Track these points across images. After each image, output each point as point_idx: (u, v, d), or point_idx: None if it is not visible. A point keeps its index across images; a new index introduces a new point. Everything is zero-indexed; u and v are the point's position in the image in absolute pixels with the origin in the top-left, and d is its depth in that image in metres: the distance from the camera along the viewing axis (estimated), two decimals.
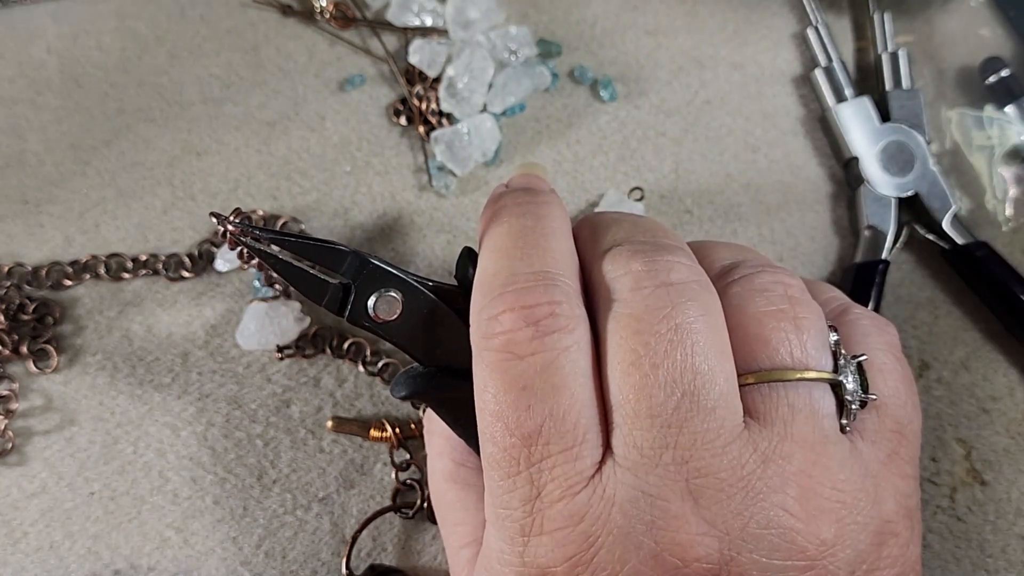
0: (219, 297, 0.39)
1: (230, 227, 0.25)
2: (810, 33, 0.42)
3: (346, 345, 0.38)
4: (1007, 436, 0.38)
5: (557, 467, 0.22)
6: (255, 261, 0.26)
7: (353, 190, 0.40)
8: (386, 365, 0.38)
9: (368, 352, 0.38)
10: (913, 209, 0.40)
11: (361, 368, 0.38)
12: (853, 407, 0.24)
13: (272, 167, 0.40)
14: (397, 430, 0.37)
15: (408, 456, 0.37)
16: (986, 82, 0.42)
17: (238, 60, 0.42)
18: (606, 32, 0.43)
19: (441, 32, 0.41)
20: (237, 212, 0.27)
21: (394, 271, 0.27)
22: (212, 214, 0.25)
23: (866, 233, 0.40)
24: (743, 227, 0.41)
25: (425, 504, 0.36)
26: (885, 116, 0.41)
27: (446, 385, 0.27)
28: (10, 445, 0.37)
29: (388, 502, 0.37)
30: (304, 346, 0.38)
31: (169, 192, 0.40)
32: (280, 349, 0.37)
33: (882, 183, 0.40)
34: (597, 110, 0.42)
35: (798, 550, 0.22)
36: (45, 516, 0.36)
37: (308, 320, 0.38)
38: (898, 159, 0.40)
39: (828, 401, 0.24)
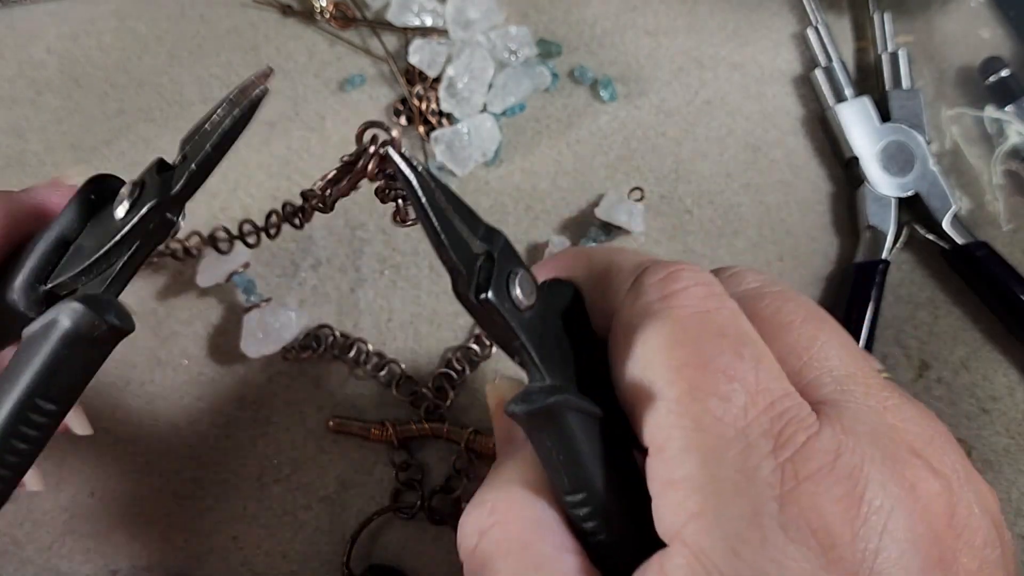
0: (219, 296, 0.39)
1: (390, 149, 0.21)
2: (810, 33, 0.42)
3: (347, 345, 0.38)
4: (1007, 436, 0.38)
5: (789, 409, 0.21)
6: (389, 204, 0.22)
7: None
8: (386, 365, 0.38)
9: (369, 353, 0.38)
10: (913, 209, 0.40)
11: (361, 369, 0.38)
12: None
13: (272, 167, 0.40)
14: (398, 431, 0.37)
15: (408, 456, 0.37)
16: (986, 82, 0.42)
17: (238, 60, 0.42)
18: (606, 32, 0.43)
19: (441, 32, 0.41)
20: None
21: (519, 256, 0.23)
22: (369, 123, 0.21)
23: (866, 233, 0.40)
24: (743, 227, 0.41)
25: (425, 504, 0.36)
26: (885, 116, 0.41)
27: (587, 402, 0.22)
28: None
29: (388, 502, 0.37)
30: (305, 346, 0.38)
31: None
32: (286, 352, 0.37)
33: (882, 183, 0.40)
34: (597, 110, 0.42)
35: (985, 490, 0.23)
36: (45, 516, 0.36)
37: (308, 320, 0.38)
38: (898, 159, 0.40)
39: None
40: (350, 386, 0.38)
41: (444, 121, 0.41)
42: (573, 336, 0.24)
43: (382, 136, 0.22)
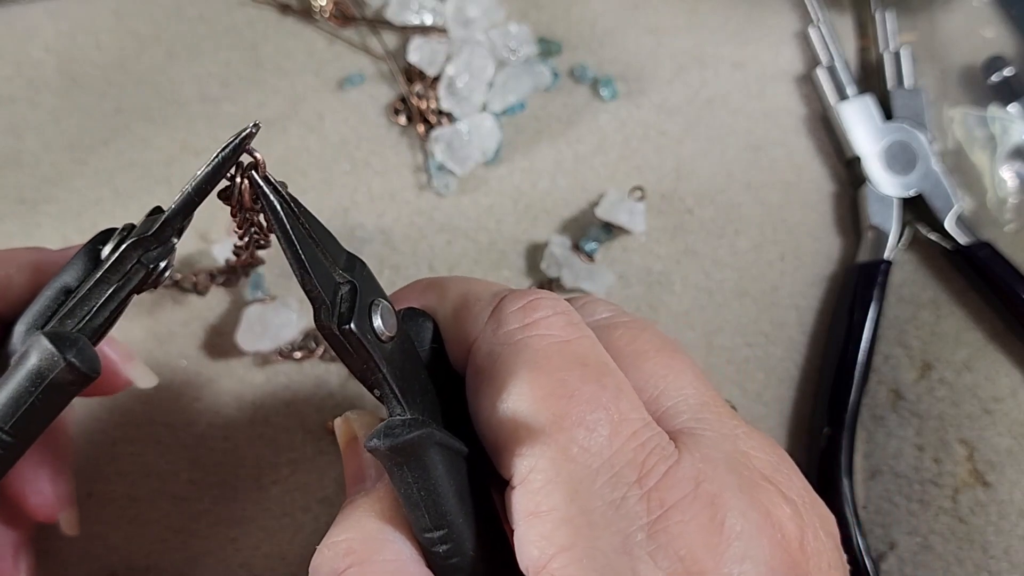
0: (218, 296, 0.38)
1: (254, 173, 0.21)
2: (812, 32, 0.42)
3: None
4: (1010, 437, 0.38)
5: (651, 438, 0.21)
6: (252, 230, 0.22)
7: (352, 189, 0.40)
8: None
9: None
10: (916, 209, 0.40)
11: None
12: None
13: (271, 166, 0.40)
14: None
15: None
16: (989, 81, 0.42)
17: (236, 59, 0.41)
18: (607, 31, 0.43)
19: (440, 31, 0.41)
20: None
21: (378, 285, 0.22)
22: (242, 140, 0.21)
23: (868, 233, 0.40)
24: (744, 227, 0.40)
25: None
26: (888, 115, 0.41)
27: (448, 437, 0.21)
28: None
29: None
30: (304, 346, 0.38)
31: (167, 191, 0.39)
32: (281, 351, 0.37)
33: (884, 183, 0.40)
34: (598, 109, 0.41)
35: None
36: None
37: (308, 320, 0.38)
38: (901, 158, 0.40)
39: None
40: (349, 387, 0.38)
41: (444, 120, 0.40)
42: (431, 368, 0.23)
43: (247, 159, 0.22)
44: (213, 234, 0.39)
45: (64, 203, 0.39)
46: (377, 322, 0.21)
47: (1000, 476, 0.37)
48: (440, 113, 0.41)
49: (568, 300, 0.25)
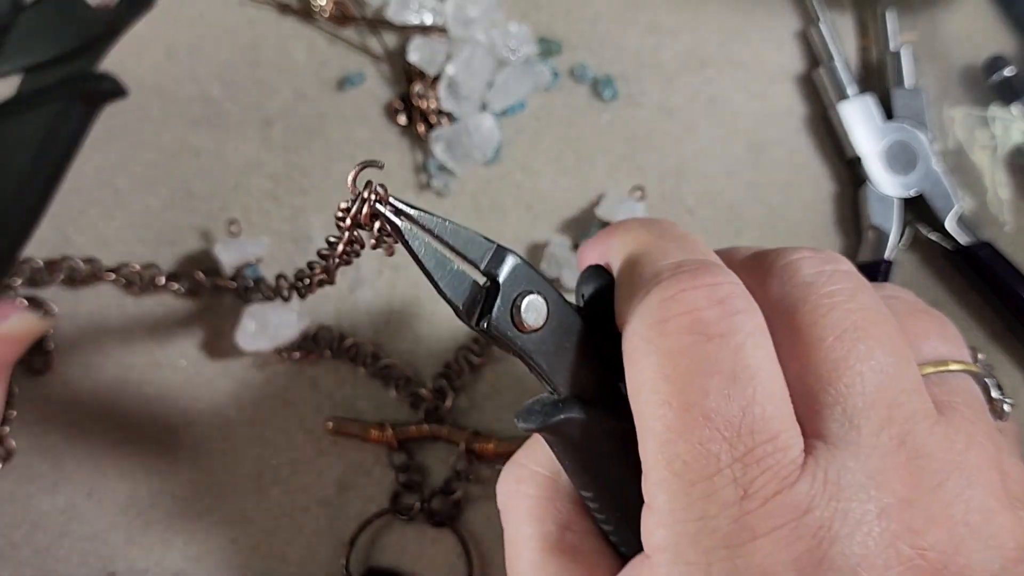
0: (218, 297, 0.38)
1: (374, 195, 0.22)
2: (812, 31, 0.42)
3: (346, 346, 0.38)
4: None
5: (767, 457, 0.20)
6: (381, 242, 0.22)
7: None
8: (386, 366, 0.38)
9: (368, 353, 0.38)
10: (916, 209, 0.40)
11: (361, 369, 0.38)
12: (1005, 406, 0.25)
13: (271, 166, 0.40)
14: (397, 432, 0.36)
15: (407, 458, 0.37)
16: (990, 81, 0.42)
17: (236, 58, 0.41)
18: (607, 30, 0.43)
19: (441, 30, 0.41)
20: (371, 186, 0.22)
21: (538, 275, 0.23)
22: (357, 179, 0.22)
23: (869, 233, 0.40)
24: (745, 226, 0.40)
25: (425, 506, 0.36)
26: (888, 115, 0.41)
27: (594, 417, 0.22)
28: (10, 445, 0.36)
29: (387, 504, 0.36)
30: (304, 347, 0.37)
31: (167, 191, 0.39)
32: (280, 351, 0.37)
33: (885, 182, 0.40)
34: (598, 109, 0.41)
35: (1007, 537, 0.21)
36: (44, 517, 0.36)
37: (308, 320, 0.38)
38: (901, 158, 0.40)
39: (983, 396, 0.24)
40: (349, 387, 0.38)
41: (444, 120, 0.40)
42: (599, 335, 0.23)
43: (366, 186, 0.22)
44: (214, 234, 0.39)
45: (64, 203, 0.39)
46: (522, 315, 0.22)
47: None
48: (440, 113, 0.41)
49: (773, 255, 0.24)
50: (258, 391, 0.37)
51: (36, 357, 0.37)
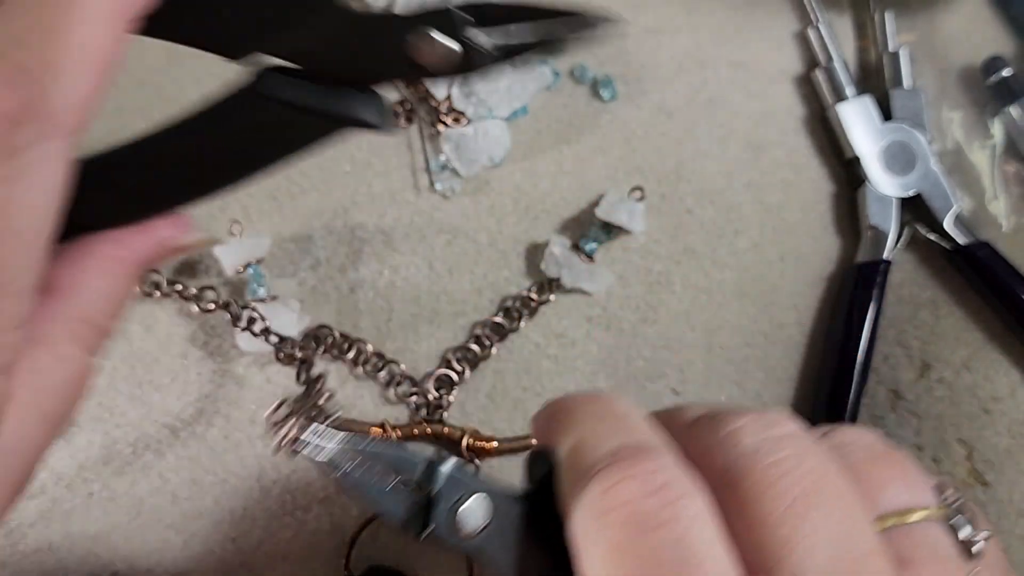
0: (219, 296, 0.38)
1: (291, 433, 0.23)
2: (811, 32, 0.42)
3: (347, 346, 0.38)
4: (1009, 437, 0.38)
5: None
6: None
7: (353, 190, 0.40)
8: (386, 366, 0.38)
9: (369, 353, 0.38)
10: (915, 209, 0.40)
11: (361, 369, 0.38)
12: (975, 547, 0.23)
13: None
14: (398, 432, 0.37)
15: None
16: (988, 81, 0.42)
17: None
18: (607, 31, 0.43)
19: None
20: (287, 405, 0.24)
21: (476, 477, 0.24)
22: (270, 417, 0.23)
23: (868, 233, 0.40)
24: (744, 227, 0.41)
25: None
26: (887, 115, 0.41)
27: None
28: None
29: None
30: (304, 346, 0.38)
31: None
32: (280, 351, 0.37)
33: (884, 183, 0.40)
34: (598, 109, 0.42)
35: None
36: (44, 517, 0.36)
37: (308, 320, 0.38)
38: (900, 159, 0.40)
39: (950, 540, 0.23)
40: (350, 386, 0.38)
41: (448, 120, 0.40)
42: (548, 522, 0.23)
43: (287, 419, 0.24)
44: (215, 233, 0.39)
45: None
46: (463, 520, 0.23)
47: (999, 476, 0.37)
48: (450, 112, 0.41)
49: (720, 419, 0.23)
50: (258, 390, 0.38)
51: None
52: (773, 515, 0.21)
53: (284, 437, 0.23)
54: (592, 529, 0.21)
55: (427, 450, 0.36)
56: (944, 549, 0.23)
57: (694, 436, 0.23)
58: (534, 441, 0.26)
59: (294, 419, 0.23)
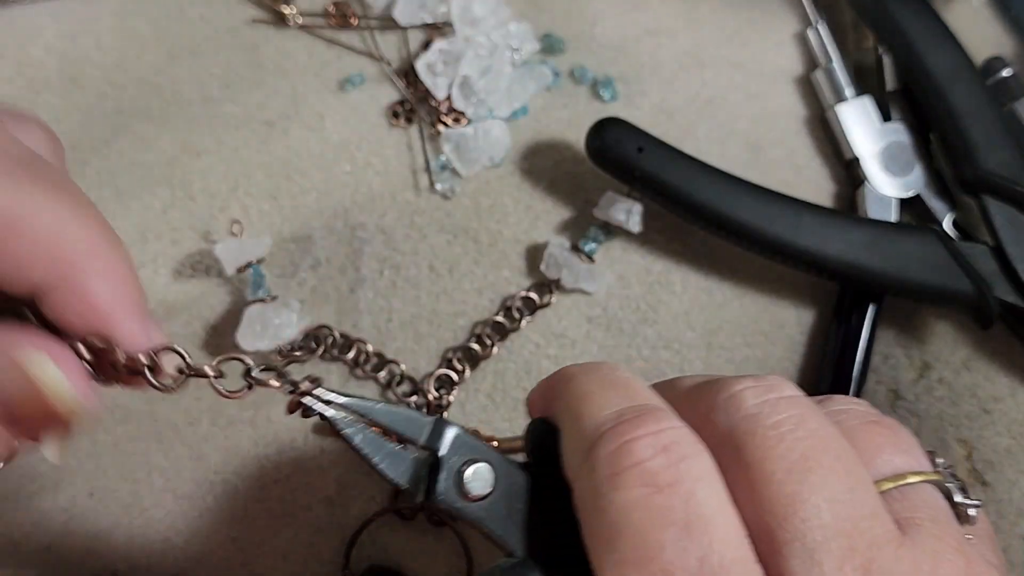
0: (220, 296, 0.38)
1: (304, 394, 0.23)
2: (810, 33, 0.42)
3: (347, 346, 0.38)
4: (1008, 436, 0.38)
5: None
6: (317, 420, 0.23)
7: (353, 190, 0.40)
8: (386, 366, 0.38)
9: (369, 353, 0.38)
10: (914, 210, 0.40)
11: (361, 370, 0.38)
12: (970, 511, 0.24)
13: (271, 167, 0.40)
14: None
15: None
16: (988, 81, 0.42)
17: (237, 59, 0.42)
18: (607, 31, 0.43)
19: (445, 30, 0.41)
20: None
21: (481, 442, 0.24)
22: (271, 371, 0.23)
23: None
24: None
25: (425, 506, 0.36)
26: (886, 116, 0.41)
27: None
28: (12, 444, 0.36)
29: (388, 503, 0.37)
30: (304, 346, 0.38)
31: (168, 192, 0.40)
32: (280, 351, 0.37)
33: (883, 183, 0.40)
34: (598, 110, 0.42)
35: None
36: (45, 517, 0.36)
37: (308, 320, 0.38)
38: (899, 159, 0.40)
39: (945, 504, 0.23)
40: (350, 386, 0.38)
41: (448, 121, 0.40)
42: (551, 491, 0.23)
43: (302, 382, 0.24)
44: (215, 234, 0.39)
45: None
46: (468, 485, 0.23)
47: (999, 475, 0.37)
48: (450, 112, 0.41)
49: (718, 385, 0.23)
50: (259, 390, 0.37)
51: None
52: (777, 475, 0.21)
53: (293, 397, 0.23)
54: (601, 491, 0.21)
55: None
56: (941, 512, 0.23)
57: (695, 401, 0.23)
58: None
59: (306, 382, 0.23)
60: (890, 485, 0.23)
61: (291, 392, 0.23)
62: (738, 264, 0.40)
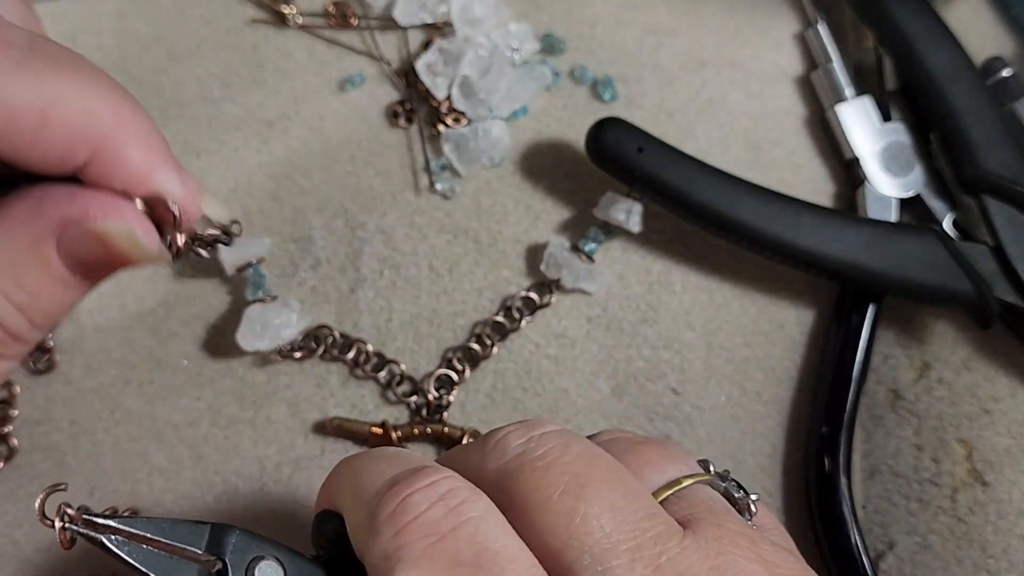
0: (220, 296, 0.39)
1: (63, 521, 0.22)
2: (810, 33, 0.42)
3: (347, 346, 0.38)
4: (1008, 436, 0.38)
5: None
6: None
7: (353, 190, 0.40)
8: (386, 366, 0.38)
9: (369, 353, 0.38)
10: (914, 210, 0.40)
11: (361, 370, 0.38)
12: (750, 504, 0.25)
13: (272, 167, 0.40)
14: (398, 432, 0.37)
15: None
16: (988, 81, 0.42)
17: (237, 59, 0.42)
18: (607, 31, 0.43)
19: (445, 30, 0.41)
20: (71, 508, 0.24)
21: (265, 540, 0.23)
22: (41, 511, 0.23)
23: None
24: None
25: None
26: (886, 116, 0.41)
27: None
28: (13, 444, 0.37)
29: None
30: (304, 346, 0.38)
31: None
32: (281, 350, 0.37)
33: (883, 183, 0.40)
34: (598, 110, 0.42)
35: None
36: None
37: (308, 320, 0.38)
38: (899, 159, 0.40)
39: (724, 501, 0.24)
40: (350, 386, 0.38)
41: (451, 121, 0.40)
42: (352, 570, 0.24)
43: (57, 511, 0.23)
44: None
45: None
46: None
47: (999, 475, 0.37)
48: (450, 112, 0.41)
49: (484, 439, 0.24)
50: (259, 390, 0.38)
51: (38, 356, 0.37)
52: (552, 499, 0.22)
53: (59, 531, 0.23)
54: (388, 552, 0.21)
55: (427, 451, 0.37)
56: (719, 504, 0.24)
57: (467, 459, 0.24)
58: None
59: (65, 510, 0.23)
60: (667, 492, 0.24)
61: (61, 526, 0.23)
62: (738, 264, 0.40)
